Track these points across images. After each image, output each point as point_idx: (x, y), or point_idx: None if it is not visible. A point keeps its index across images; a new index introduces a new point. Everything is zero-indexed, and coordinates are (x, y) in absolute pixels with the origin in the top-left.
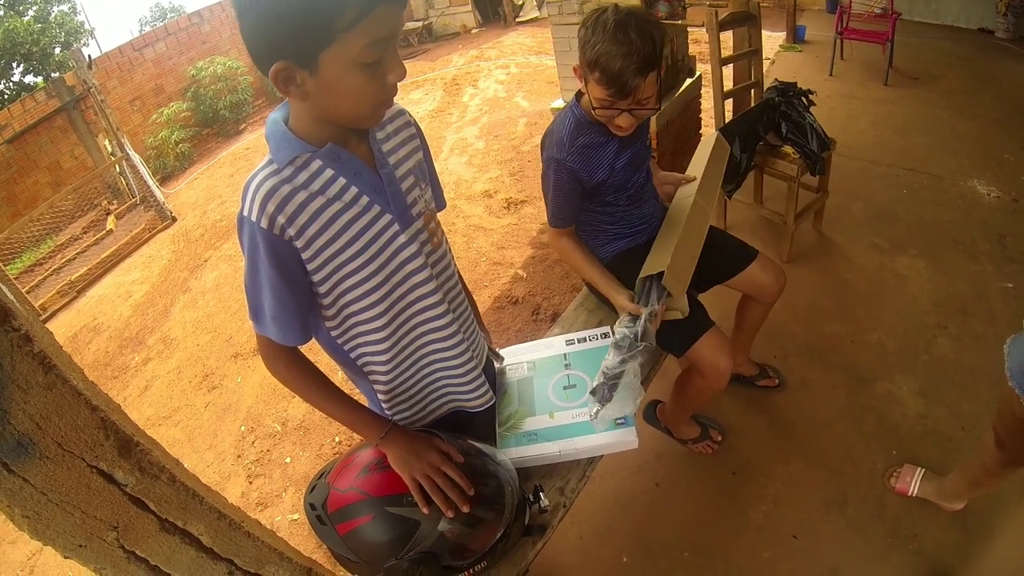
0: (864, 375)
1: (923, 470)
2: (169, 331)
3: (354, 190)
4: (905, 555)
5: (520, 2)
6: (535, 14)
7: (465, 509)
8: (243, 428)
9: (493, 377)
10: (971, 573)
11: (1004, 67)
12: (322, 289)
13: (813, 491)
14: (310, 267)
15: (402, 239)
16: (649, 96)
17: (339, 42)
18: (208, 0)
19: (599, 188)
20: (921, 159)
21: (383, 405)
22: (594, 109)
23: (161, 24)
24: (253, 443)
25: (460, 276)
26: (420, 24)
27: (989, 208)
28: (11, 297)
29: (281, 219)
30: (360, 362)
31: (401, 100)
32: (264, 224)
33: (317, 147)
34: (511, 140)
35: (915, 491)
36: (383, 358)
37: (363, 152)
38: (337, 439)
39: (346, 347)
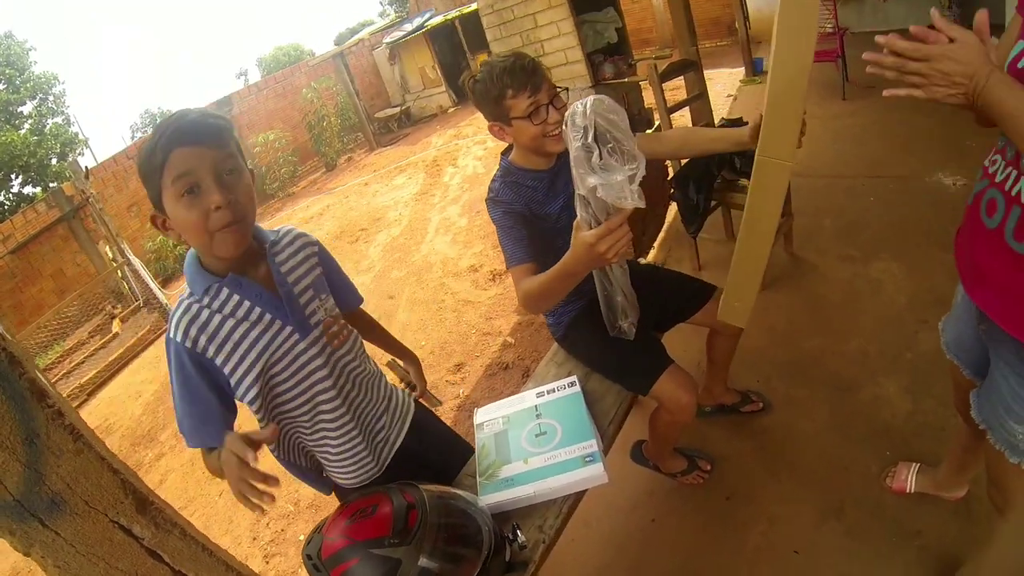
0: (849, 384)
1: (918, 464)
2: None
3: (258, 310)
4: (911, 552)
5: None
6: None
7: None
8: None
9: (421, 418)
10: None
11: None
12: (239, 390)
13: (808, 505)
14: (227, 371)
15: (302, 346)
16: (552, 86)
17: (163, 185)
18: (195, 102)
19: (544, 223)
20: (884, 164)
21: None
22: (533, 124)
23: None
24: (267, 524)
25: (390, 338)
26: (398, 109)
27: (958, 196)
28: (44, 380)
29: (203, 340)
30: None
31: (385, 186)
32: (188, 344)
33: (221, 277)
34: None
35: (912, 487)
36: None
37: (263, 273)
38: None
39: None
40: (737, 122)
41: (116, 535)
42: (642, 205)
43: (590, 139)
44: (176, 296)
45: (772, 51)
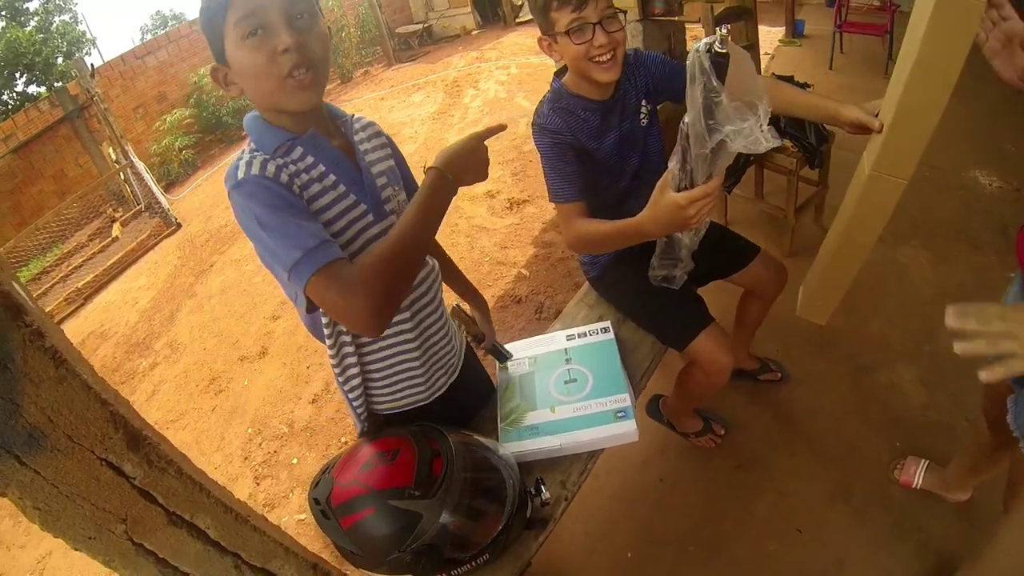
0: (867, 366)
1: (927, 462)
2: (176, 336)
3: (332, 177)
4: (911, 546)
5: (519, 2)
6: None
7: None
8: (250, 430)
9: (475, 369)
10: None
11: None
12: None
13: (818, 483)
14: None
15: (374, 231)
16: (609, 6)
17: (226, 28)
18: None
19: (591, 159)
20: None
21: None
22: (574, 43)
23: (163, 32)
24: (260, 445)
25: (458, 272)
26: (420, 27)
27: (992, 198)
28: (23, 295)
29: (284, 176)
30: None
31: (401, 102)
32: (270, 174)
33: (298, 134)
34: (512, 140)
35: (919, 483)
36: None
37: (342, 144)
38: (343, 439)
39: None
40: (788, 80)
41: (104, 474)
42: (779, 143)
43: (715, 85)
44: (179, 201)
45: (914, 56)
